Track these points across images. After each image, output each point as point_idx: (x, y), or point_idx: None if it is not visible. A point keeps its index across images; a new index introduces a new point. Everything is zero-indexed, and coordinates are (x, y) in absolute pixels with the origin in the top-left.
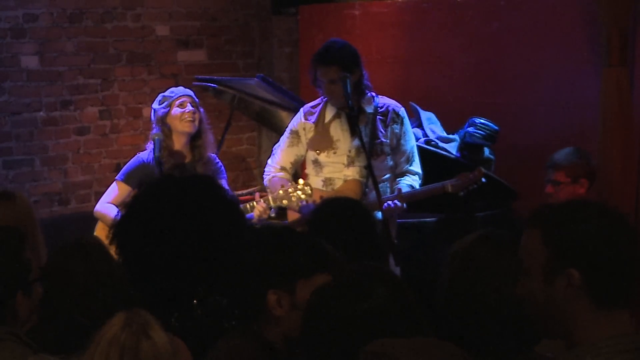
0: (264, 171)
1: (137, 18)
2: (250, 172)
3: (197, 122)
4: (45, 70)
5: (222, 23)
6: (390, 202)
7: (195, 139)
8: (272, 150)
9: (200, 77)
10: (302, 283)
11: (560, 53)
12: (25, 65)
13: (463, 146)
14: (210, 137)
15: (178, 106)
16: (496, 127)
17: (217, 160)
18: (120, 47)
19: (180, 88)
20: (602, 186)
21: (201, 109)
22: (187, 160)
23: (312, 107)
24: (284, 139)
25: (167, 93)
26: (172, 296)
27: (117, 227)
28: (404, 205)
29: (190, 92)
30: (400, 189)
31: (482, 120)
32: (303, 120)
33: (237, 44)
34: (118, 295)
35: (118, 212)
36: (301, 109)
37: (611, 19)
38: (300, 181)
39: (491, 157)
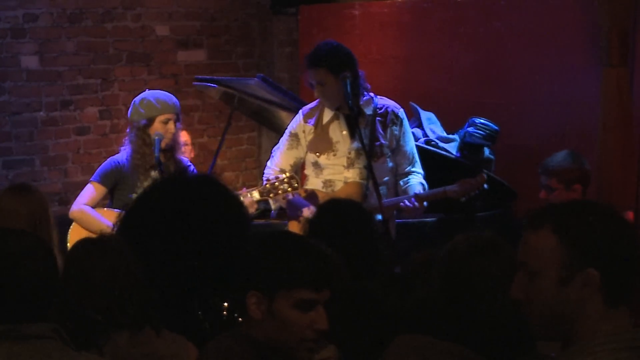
0: (263, 172)
1: (137, 18)
2: (250, 172)
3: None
4: (45, 70)
5: (222, 23)
6: (407, 202)
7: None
8: (271, 152)
9: (200, 77)
10: (282, 293)
11: (560, 53)
12: (25, 65)
13: (463, 146)
14: (180, 140)
15: (161, 122)
16: (496, 127)
17: (188, 162)
18: (120, 47)
19: (166, 98)
20: (602, 186)
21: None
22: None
23: (311, 108)
24: (283, 141)
25: (152, 100)
26: (176, 295)
27: (121, 224)
28: (424, 204)
29: (177, 105)
30: (416, 194)
31: (482, 120)
32: (302, 122)
33: (237, 44)
34: (134, 294)
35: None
36: (300, 111)
37: (611, 19)
38: (287, 174)
39: (491, 157)
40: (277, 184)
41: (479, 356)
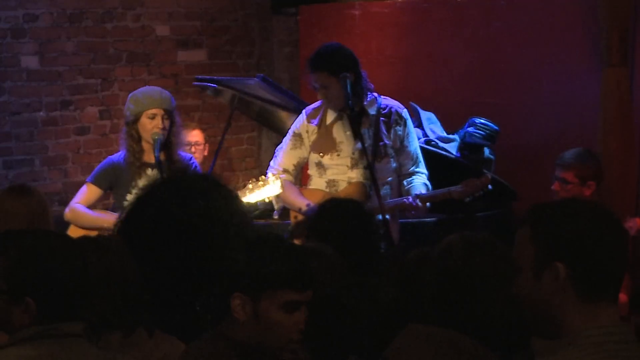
0: (265, 172)
1: (137, 18)
2: (250, 172)
3: (166, 130)
4: (45, 70)
5: (222, 23)
6: (411, 200)
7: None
8: (274, 152)
9: (200, 77)
10: (267, 295)
11: (560, 53)
12: (25, 65)
13: (463, 146)
14: (181, 138)
15: (148, 117)
16: (496, 127)
17: (192, 159)
18: (120, 47)
19: (153, 93)
20: (602, 186)
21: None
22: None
23: (314, 108)
24: (287, 140)
25: (140, 96)
26: (176, 296)
27: (121, 225)
28: (427, 205)
29: (166, 100)
30: (420, 193)
31: (482, 120)
32: (306, 122)
33: (237, 44)
34: (128, 295)
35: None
36: (303, 111)
37: (611, 19)
38: (268, 176)
39: (491, 157)
40: (260, 183)
41: (483, 347)
